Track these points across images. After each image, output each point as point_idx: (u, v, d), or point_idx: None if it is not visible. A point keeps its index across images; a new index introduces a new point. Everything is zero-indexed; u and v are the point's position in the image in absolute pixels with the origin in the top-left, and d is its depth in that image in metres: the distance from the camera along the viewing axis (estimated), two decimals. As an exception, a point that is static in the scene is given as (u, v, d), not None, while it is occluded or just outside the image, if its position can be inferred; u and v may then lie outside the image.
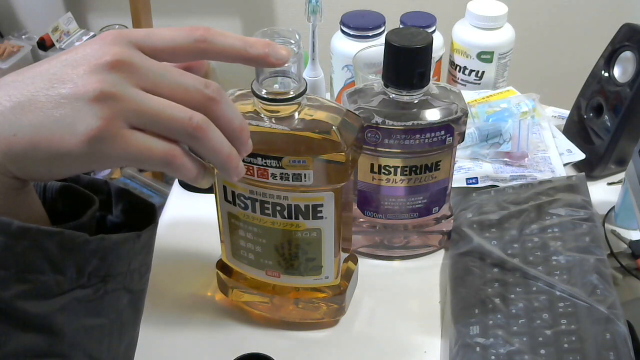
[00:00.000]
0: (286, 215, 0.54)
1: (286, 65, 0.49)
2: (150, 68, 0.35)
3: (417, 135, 0.59)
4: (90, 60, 0.34)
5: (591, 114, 0.79)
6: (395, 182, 0.63)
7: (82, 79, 0.33)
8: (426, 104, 0.59)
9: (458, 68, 0.90)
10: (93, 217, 0.40)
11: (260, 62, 0.40)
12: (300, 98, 0.51)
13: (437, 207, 0.66)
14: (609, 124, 0.76)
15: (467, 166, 0.76)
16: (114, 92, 0.33)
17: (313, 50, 0.79)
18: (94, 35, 1.78)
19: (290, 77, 0.50)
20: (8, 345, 0.34)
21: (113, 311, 0.39)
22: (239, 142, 0.39)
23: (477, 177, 0.74)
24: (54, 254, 0.34)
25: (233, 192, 0.55)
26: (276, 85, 0.50)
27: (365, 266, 0.66)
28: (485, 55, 0.87)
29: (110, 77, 0.34)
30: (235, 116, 0.38)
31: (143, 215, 0.41)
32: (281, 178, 0.51)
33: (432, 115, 0.59)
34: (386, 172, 0.62)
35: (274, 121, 0.51)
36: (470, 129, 0.76)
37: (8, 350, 0.34)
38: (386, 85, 0.60)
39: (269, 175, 0.51)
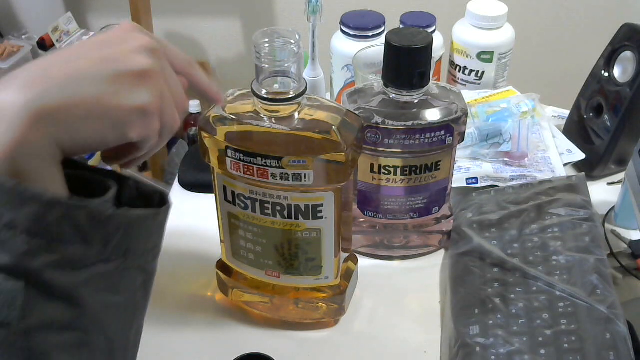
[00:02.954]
0: (286, 215, 0.54)
1: (286, 65, 0.49)
2: (170, 52, 0.42)
3: (417, 135, 0.59)
4: (131, 41, 0.39)
5: (591, 114, 0.79)
6: (395, 182, 0.63)
7: (130, 57, 0.38)
8: (426, 104, 0.59)
9: (458, 68, 0.90)
10: (112, 199, 0.41)
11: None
12: (300, 98, 0.51)
13: (437, 207, 0.66)
14: (609, 124, 0.76)
15: (467, 166, 0.76)
16: (157, 73, 0.39)
17: (313, 50, 0.79)
18: (93, 36, 1.78)
19: (290, 77, 0.50)
20: (33, 315, 0.35)
21: (129, 290, 0.40)
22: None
23: (477, 177, 0.74)
24: (83, 225, 0.35)
25: (233, 192, 0.55)
26: (276, 85, 0.51)
27: (365, 266, 0.66)
28: (485, 55, 0.87)
29: (152, 57, 0.39)
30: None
31: (153, 203, 0.43)
32: (281, 178, 0.51)
33: (432, 115, 0.59)
34: (386, 172, 0.62)
35: (274, 121, 0.51)
36: (470, 129, 0.76)
37: (33, 322, 0.35)
38: (386, 85, 0.60)
39: (269, 175, 0.51)
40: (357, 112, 0.57)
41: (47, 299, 0.35)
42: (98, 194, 0.39)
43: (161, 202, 0.42)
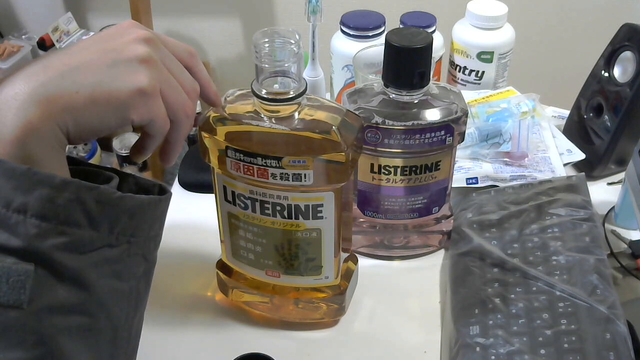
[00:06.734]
0: (286, 215, 0.54)
1: (286, 65, 0.49)
2: (169, 44, 0.44)
3: (417, 135, 0.59)
4: (128, 34, 0.41)
5: (591, 114, 0.79)
6: (395, 182, 0.63)
7: (128, 46, 0.40)
8: (426, 104, 0.59)
9: (458, 68, 0.90)
10: (116, 187, 0.43)
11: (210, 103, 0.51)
12: (300, 98, 0.51)
13: (437, 207, 0.66)
14: (609, 124, 0.76)
15: (467, 166, 0.76)
16: (155, 58, 0.41)
17: (313, 50, 0.79)
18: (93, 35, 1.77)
19: (290, 77, 0.50)
20: (42, 298, 0.35)
21: (133, 278, 0.41)
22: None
23: (477, 177, 0.74)
24: (92, 208, 0.37)
25: (233, 192, 0.55)
26: (276, 85, 0.51)
27: (365, 266, 0.66)
28: (485, 55, 0.87)
29: (149, 46, 0.41)
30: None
31: (153, 194, 0.43)
32: (281, 178, 0.51)
33: (432, 115, 0.59)
34: (386, 172, 0.62)
35: (274, 121, 0.51)
36: (470, 129, 0.76)
37: (42, 304, 0.35)
38: (386, 85, 0.60)
39: (269, 175, 0.51)
40: (357, 112, 0.57)
41: (56, 281, 0.36)
42: (101, 184, 0.41)
43: (161, 194, 0.43)
